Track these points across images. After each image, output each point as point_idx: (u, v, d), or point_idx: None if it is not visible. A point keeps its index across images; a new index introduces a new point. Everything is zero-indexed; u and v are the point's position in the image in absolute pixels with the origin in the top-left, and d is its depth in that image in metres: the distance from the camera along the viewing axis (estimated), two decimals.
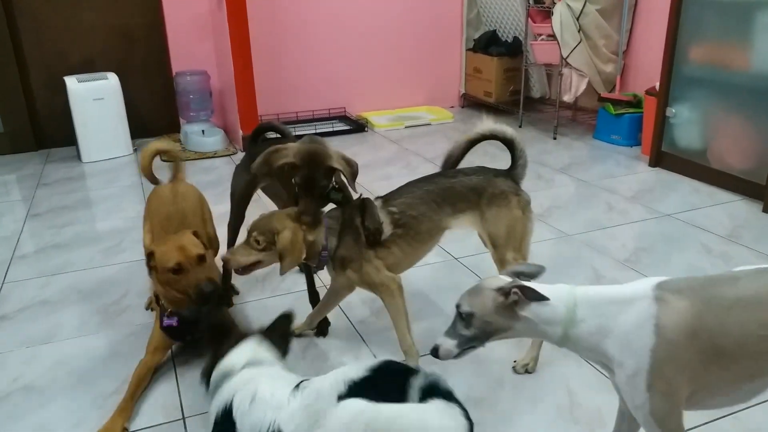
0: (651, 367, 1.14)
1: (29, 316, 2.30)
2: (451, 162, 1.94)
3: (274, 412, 1.25)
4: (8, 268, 2.68)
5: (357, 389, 1.19)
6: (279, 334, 1.50)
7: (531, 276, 1.33)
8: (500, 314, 1.26)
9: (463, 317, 1.29)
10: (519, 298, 1.24)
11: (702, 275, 1.25)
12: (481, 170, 1.88)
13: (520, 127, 4.79)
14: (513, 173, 1.87)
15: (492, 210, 1.82)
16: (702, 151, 3.53)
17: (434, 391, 1.16)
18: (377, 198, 1.86)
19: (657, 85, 3.71)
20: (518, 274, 1.32)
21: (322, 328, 2.14)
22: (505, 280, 1.29)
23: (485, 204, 1.82)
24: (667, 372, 1.14)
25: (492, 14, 5.25)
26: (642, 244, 2.76)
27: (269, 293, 2.42)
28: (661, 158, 3.77)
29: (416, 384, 1.18)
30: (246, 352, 1.40)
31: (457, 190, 1.83)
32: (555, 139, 4.47)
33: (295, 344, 2.08)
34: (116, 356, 2.02)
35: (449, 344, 1.30)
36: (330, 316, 2.15)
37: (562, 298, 1.24)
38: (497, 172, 1.87)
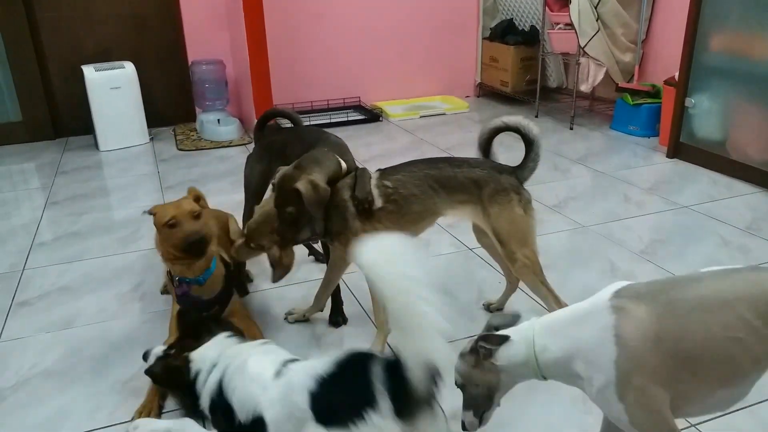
0: (618, 379, 1.11)
1: (48, 302, 2.34)
2: (482, 149, 1.95)
3: (258, 392, 1.30)
4: (28, 255, 2.72)
5: (326, 385, 1.21)
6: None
7: (508, 326, 1.32)
8: (482, 374, 1.28)
9: (462, 390, 1.33)
10: (485, 350, 1.25)
11: (665, 277, 1.23)
12: (487, 164, 1.87)
13: (536, 117, 4.75)
14: (519, 172, 1.86)
15: (494, 207, 1.81)
16: (721, 142, 3.48)
17: (394, 368, 1.13)
18: (377, 170, 1.88)
19: (676, 75, 3.65)
20: (495, 328, 1.32)
21: (335, 320, 2.15)
22: (474, 339, 1.29)
23: (487, 199, 1.82)
24: (636, 381, 1.10)
25: (509, 3, 5.20)
26: (659, 236, 2.73)
27: (284, 281, 2.43)
28: (679, 149, 3.72)
29: (377, 370, 1.16)
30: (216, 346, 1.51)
31: (458, 180, 1.83)
32: (572, 129, 4.43)
33: (310, 330, 2.10)
34: (133, 342, 2.04)
35: (469, 417, 1.34)
36: (344, 304, 2.16)
37: (521, 333, 1.25)
38: (502, 168, 1.86)
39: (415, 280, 1.08)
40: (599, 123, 4.56)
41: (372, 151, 4.00)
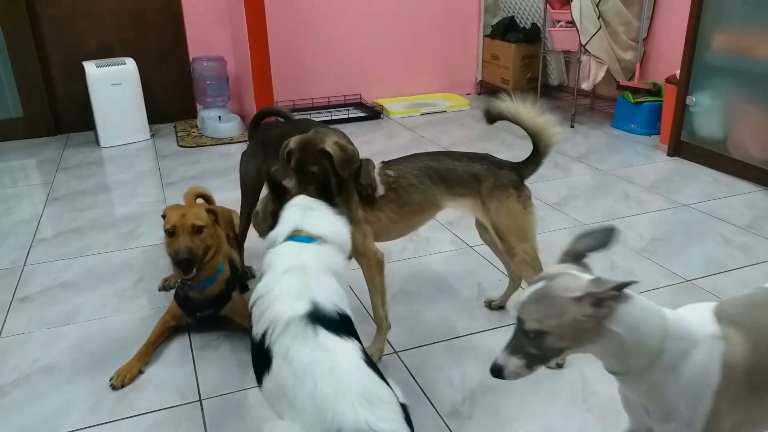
0: (711, 410, 1.03)
1: (49, 298, 2.34)
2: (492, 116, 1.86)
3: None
4: (29, 251, 2.72)
5: None
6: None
7: (600, 247, 1.08)
8: (584, 330, 1.00)
9: (531, 336, 1.03)
10: (615, 303, 0.98)
11: (750, 293, 1.16)
12: (488, 159, 1.87)
13: None
14: (521, 169, 1.85)
15: (494, 202, 1.82)
16: (722, 140, 3.48)
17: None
18: (381, 162, 1.90)
19: (677, 73, 3.65)
20: (580, 255, 1.07)
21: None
22: (576, 274, 1.03)
23: (486, 194, 1.82)
24: (720, 410, 1.04)
25: (510, 0, 5.19)
26: (659, 235, 2.73)
27: None
28: (680, 148, 3.72)
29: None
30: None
31: (457, 173, 1.84)
32: (572, 127, 4.42)
33: None
34: (133, 339, 2.04)
35: (516, 365, 1.05)
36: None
37: (652, 308, 1.05)
38: (502, 164, 1.86)
39: None
40: (600, 121, 4.56)
41: (373, 149, 4.00)
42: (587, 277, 1.03)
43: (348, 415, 1.09)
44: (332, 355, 1.20)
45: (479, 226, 2.05)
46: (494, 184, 1.82)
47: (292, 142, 1.76)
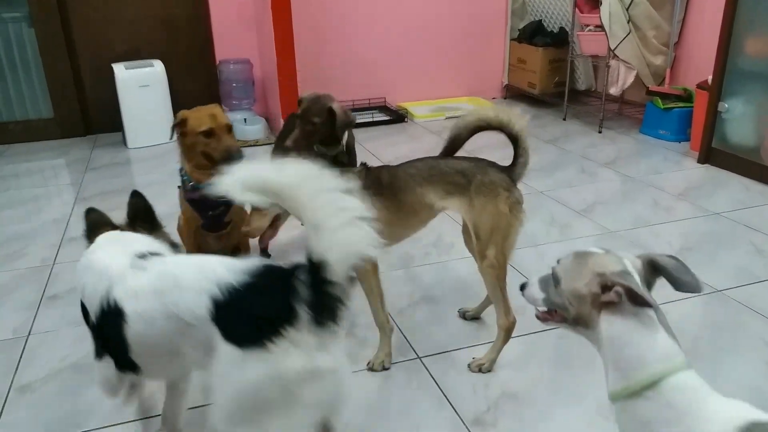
0: None
1: (78, 296, 2.37)
2: (450, 148, 1.90)
3: (108, 281, 1.27)
4: (59, 249, 2.77)
5: (237, 295, 1.09)
6: (141, 213, 1.63)
7: (675, 283, 1.02)
8: (585, 304, 1.03)
9: (554, 278, 1.10)
10: (619, 300, 0.97)
11: None
12: (482, 162, 1.83)
13: (564, 119, 4.70)
14: (512, 172, 1.80)
15: (479, 199, 1.75)
16: (755, 148, 3.40)
17: (314, 272, 1.05)
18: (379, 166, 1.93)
19: (709, 78, 3.58)
20: (656, 267, 1.04)
21: None
22: (624, 263, 1.03)
23: (474, 191, 1.76)
24: None
25: (538, 4, 5.15)
26: (688, 243, 2.68)
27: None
28: (710, 155, 3.65)
29: (295, 277, 1.07)
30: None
31: (446, 172, 1.80)
32: (600, 132, 4.37)
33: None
34: None
35: (537, 292, 1.14)
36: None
37: (663, 355, 0.96)
38: (493, 164, 1.82)
39: (330, 182, 1.04)
40: (628, 127, 4.49)
41: (397, 152, 3.99)
42: (626, 269, 1.02)
43: (219, 272, 1.12)
44: (171, 261, 1.28)
45: (465, 233, 1.99)
46: (482, 180, 1.75)
47: (306, 94, 2.09)
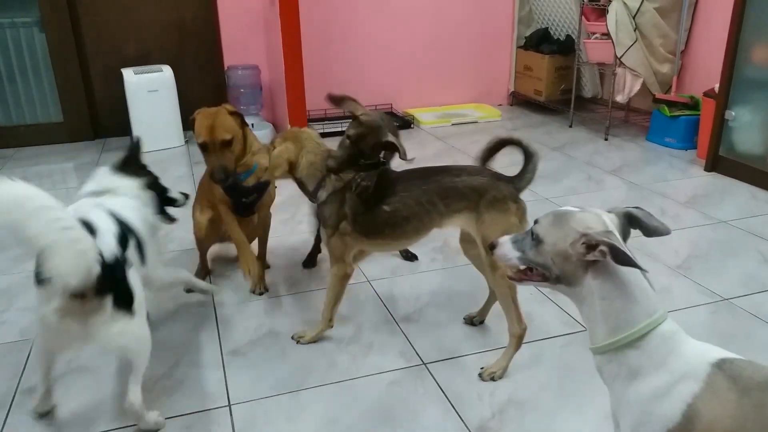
0: None
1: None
2: (482, 161, 1.93)
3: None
4: None
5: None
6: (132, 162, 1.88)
7: (647, 230, 1.08)
8: (570, 263, 1.04)
9: (533, 237, 1.09)
10: (603, 258, 0.98)
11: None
12: (486, 172, 1.85)
13: (570, 126, 4.70)
14: (517, 182, 1.84)
15: (491, 213, 1.79)
16: (762, 156, 3.39)
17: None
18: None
19: (716, 86, 3.58)
20: (630, 218, 1.08)
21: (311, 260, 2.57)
22: (605, 220, 1.05)
23: (484, 206, 1.80)
24: None
25: (545, 12, 5.16)
26: (695, 251, 2.67)
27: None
28: (717, 162, 3.64)
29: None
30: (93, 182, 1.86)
31: (459, 189, 1.82)
32: (606, 140, 4.36)
33: (335, 333, 2.09)
34: (165, 342, 2.07)
35: (509, 250, 1.13)
36: (373, 311, 2.16)
37: (649, 308, 1.01)
38: (500, 176, 1.85)
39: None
40: (635, 134, 4.49)
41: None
42: (608, 228, 1.03)
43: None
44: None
45: (464, 241, 2.02)
46: (494, 196, 1.80)
47: (362, 114, 1.97)
